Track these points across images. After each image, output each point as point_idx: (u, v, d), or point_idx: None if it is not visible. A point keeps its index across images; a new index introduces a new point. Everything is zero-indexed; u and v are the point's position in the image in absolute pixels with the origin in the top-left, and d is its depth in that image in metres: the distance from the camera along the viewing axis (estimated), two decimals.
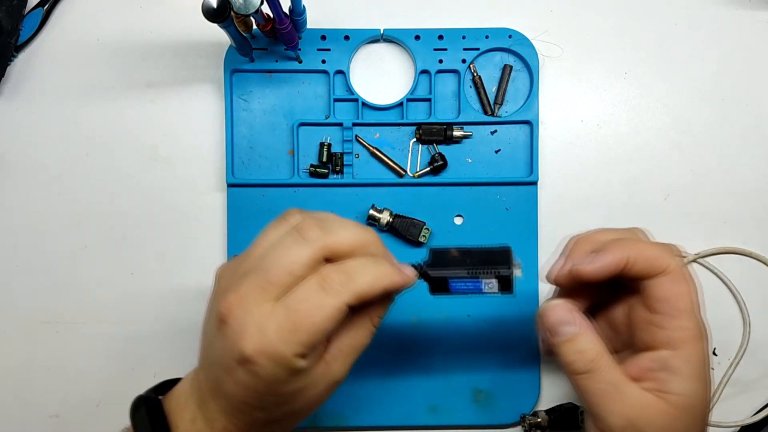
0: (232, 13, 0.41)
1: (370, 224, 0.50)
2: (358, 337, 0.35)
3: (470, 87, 0.51)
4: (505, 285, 0.35)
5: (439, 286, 0.36)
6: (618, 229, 0.38)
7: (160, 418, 0.35)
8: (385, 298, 0.35)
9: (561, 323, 0.35)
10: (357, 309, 0.35)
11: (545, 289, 0.50)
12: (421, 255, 0.50)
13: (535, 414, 0.49)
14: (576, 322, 0.35)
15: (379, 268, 0.34)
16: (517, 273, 0.36)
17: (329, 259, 0.34)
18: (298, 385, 0.34)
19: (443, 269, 0.36)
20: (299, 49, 0.49)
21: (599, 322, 0.38)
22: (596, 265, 0.35)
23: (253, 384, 0.33)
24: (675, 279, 0.35)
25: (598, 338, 0.35)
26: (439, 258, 0.37)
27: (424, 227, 0.49)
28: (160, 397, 0.37)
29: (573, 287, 0.37)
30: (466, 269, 0.36)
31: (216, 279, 0.37)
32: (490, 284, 0.36)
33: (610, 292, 0.38)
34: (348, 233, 0.34)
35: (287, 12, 0.45)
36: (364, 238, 0.35)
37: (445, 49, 0.50)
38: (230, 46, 0.50)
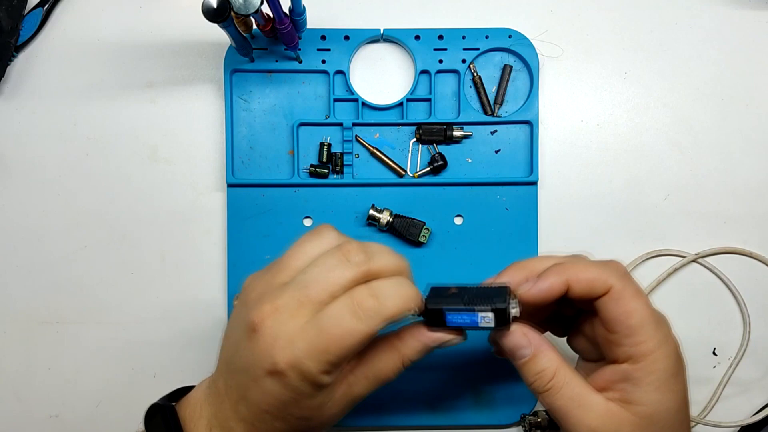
0: (232, 13, 0.41)
1: (369, 224, 0.50)
2: (385, 370, 0.36)
3: (470, 87, 0.51)
4: (501, 318, 0.35)
5: (434, 319, 0.36)
6: (559, 255, 0.38)
7: (175, 427, 0.36)
8: (424, 348, 0.36)
9: (517, 347, 0.36)
10: (396, 339, 0.36)
11: None
12: (421, 255, 0.50)
13: (535, 414, 0.49)
14: (531, 344, 0.36)
15: (407, 291, 0.34)
16: (515, 311, 0.35)
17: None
18: (320, 401, 0.35)
19: (441, 301, 0.36)
20: (299, 49, 0.49)
21: (580, 334, 0.39)
22: (534, 291, 0.36)
23: (279, 394, 0.33)
24: (619, 297, 0.35)
25: (556, 355, 0.36)
26: (438, 293, 0.36)
27: (424, 227, 0.49)
28: (173, 404, 0.38)
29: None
30: (463, 302, 0.35)
31: (245, 287, 0.37)
32: (486, 318, 0.35)
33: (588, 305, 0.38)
34: (389, 260, 0.35)
35: (287, 12, 0.45)
36: (402, 266, 0.36)
37: (445, 49, 0.50)
38: (230, 46, 0.50)
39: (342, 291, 0.34)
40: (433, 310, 0.36)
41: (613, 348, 0.36)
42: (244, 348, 0.34)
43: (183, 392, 0.39)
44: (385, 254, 0.36)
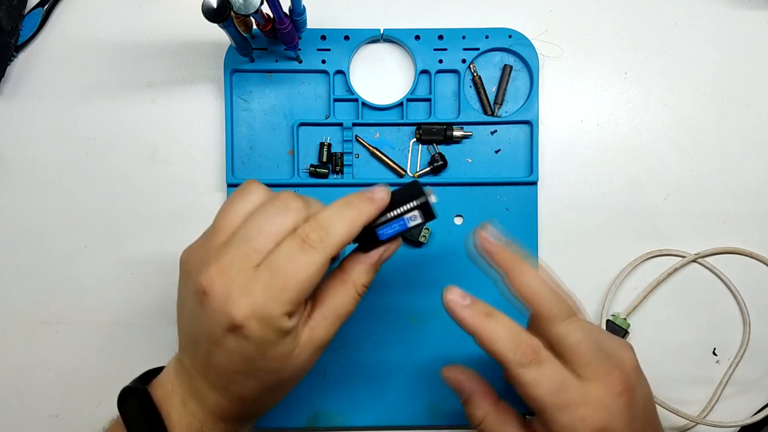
0: (232, 13, 0.41)
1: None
2: (342, 304, 0.36)
3: (470, 87, 0.51)
4: (427, 212, 0.37)
5: (368, 240, 0.37)
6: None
7: (150, 407, 0.36)
8: (369, 268, 0.37)
9: (455, 390, 0.40)
10: (341, 271, 0.37)
11: None
12: (421, 255, 0.50)
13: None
14: (464, 390, 0.39)
15: (350, 210, 0.35)
16: (432, 199, 0.37)
17: None
18: (286, 348, 0.34)
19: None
20: (299, 49, 0.49)
21: None
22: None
23: (244, 349, 0.33)
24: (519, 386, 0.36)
25: (487, 402, 0.39)
26: None
27: (424, 227, 0.49)
28: (145, 386, 0.37)
29: None
30: (387, 213, 0.37)
31: (183, 262, 0.37)
32: (413, 217, 0.37)
33: None
34: (322, 205, 0.36)
35: (287, 12, 0.45)
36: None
37: (445, 49, 0.50)
38: (230, 46, 0.50)
39: (286, 236, 0.34)
40: (364, 231, 0.36)
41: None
42: (198, 315, 0.34)
43: (152, 374, 0.39)
44: (317, 201, 0.37)
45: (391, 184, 0.50)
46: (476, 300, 0.37)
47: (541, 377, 0.35)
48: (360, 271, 0.37)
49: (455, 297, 0.37)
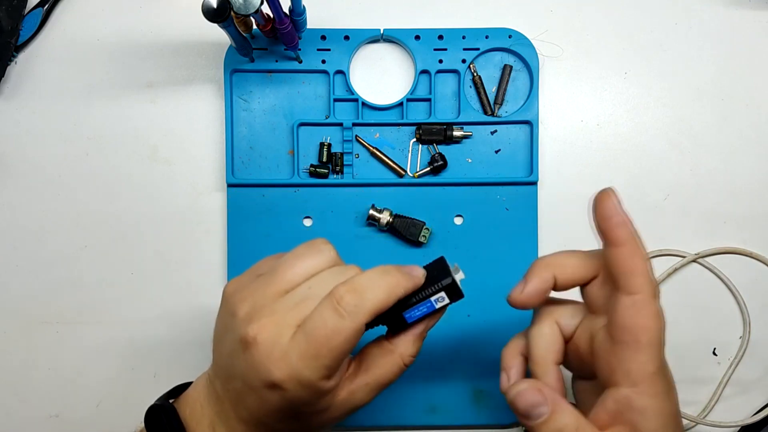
0: (232, 13, 0.41)
1: (369, 224, 0.50)
2: (386, 373, 0.36)
3: (470, 87, 0.51)
4: (453, 292, 0.36)
5: (396, 325, 0.36)
6: (585, 251, 0.37)
7: (178, 427, 0.36)
8: (417, 338, 0.36)
9: (533, 406, 0.33)
10: (389, 343, 0.36)
11: None
12: (421, 255, 0.50)
13: None
14: (548, 401, 0.33)
15: (387, 279, 0.34)
16: (459, 276, 0.36)
17: None
18: (321, 406, 0.35)
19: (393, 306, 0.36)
20: (299, 49, 0.49)
21: (567, 352, 0.37)
22: (524, 296, 0.35)
23: (278, 404, 0.33)
24: (642, 307, 0.33)
25: (573, 409, 0.33)
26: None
27: (424, 227, 0.49)
28: (172, 402, 0.37)
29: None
30: (413, 297, 0.36)
31: (228, 296, 0.36)
32: (440, 297, 0.36)
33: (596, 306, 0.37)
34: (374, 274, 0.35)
35: (287, 12, 0.45)
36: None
37: (445, 49, 0.50)
38: (230, 46, 0.50)
39: None
40: (392, 317, 0.36)
41: (612, 362, 0.33)
42: (239, 359, 0.34)
43: (180, 389, 0.39)
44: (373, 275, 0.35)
45: (391, 185, 0.50)
46: None
47: (661, 312, 0.33)
48: (407, 342, 0.36)
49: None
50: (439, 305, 0.36)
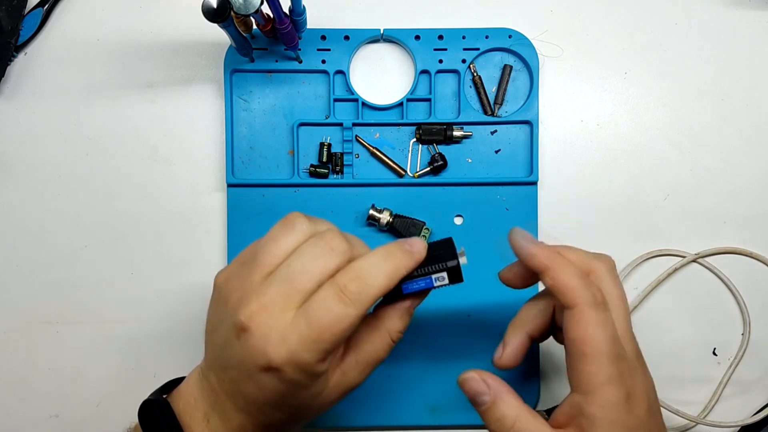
0: (232, 13, 0.41)
1: (369, 224, 0.50)
2: (375, 350, 0.37)
3: (470, 87, 0.51)
4: (454, 275, 0.36)
5: (392, 294, 0.36)
6: (556, 245, 0.38)
7: (173, 423, 0.36)
8: (404, 313, 0.37)
9: (476, 394, 0.36)
10: (376, 319, 0.37)
11: None
12: None
13: None
14: (490, 391, 0.36)
15: (390, 262, 0.34)
16: (463, 261, 0.36)
17: None
18: (316, 390, 0.35)
19: None
20: (299, 49, 0.49)
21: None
22: (504, 360, 0.39)
23: (276, 388, 0.34)
24: (580, 320, 0.34)
25: (516, 401, 0.35)
26: None
27: (424, 227, 0.49)
28: (165, 397, 0.38)
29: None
30: (415, 271, 0.36)
31: (218, 287, 0.37)
32: (440, 277, 0.36)
33: None
34: (366, 248, 0.36)
35: (287, 12, 0.45)
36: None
37: (445, 49, 0.50)
38: (230, 46, 0.50)
39: (327, 279, 0.34)
40: (390, 292, 0.36)
41: (569, 367, 0.35)
42: (234, 347, 0.34)
43: (173, 384, 0.39)
44: (360, 241, 0.37)
45: (391, 185, 0.50)
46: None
47: (607, 320, 0.34)
48: (394, 318, 0.37)
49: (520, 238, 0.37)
50: (437, 284, 0.36)
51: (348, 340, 0.36)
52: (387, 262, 0.34)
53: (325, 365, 0.34)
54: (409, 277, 0.36)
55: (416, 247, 0.36)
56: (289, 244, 0.35)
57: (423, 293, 0.37)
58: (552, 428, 0.35)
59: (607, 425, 0.33)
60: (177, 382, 0.39)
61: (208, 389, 0.37)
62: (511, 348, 0.39)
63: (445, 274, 0.36)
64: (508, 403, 0.35)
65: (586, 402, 0.34)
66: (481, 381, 0.36)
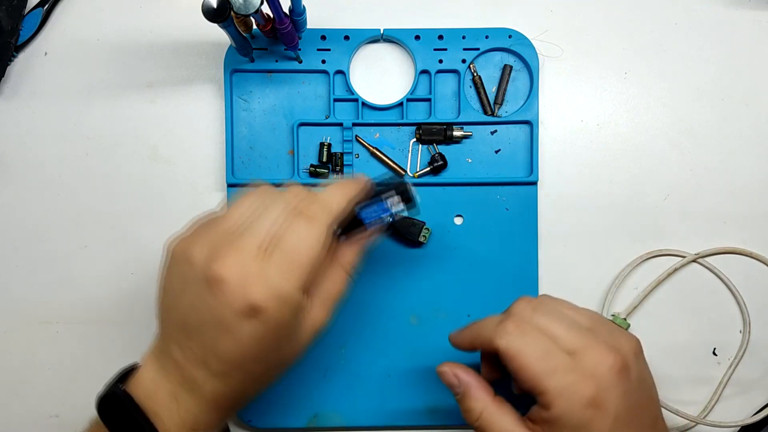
0: (232, 13, 0.41)
1: None
2: (335, 286, 0.39)
3: (470, 87, 0.51)
4: (405, 196, 0.40)
5: (352, 224, 0.39)
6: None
7: (137, 412, 0.35)
8: (357, 248, 0.40)
9: (449, 386, 0.40)
10: (331, 256, 0.39)
11: (544, 290, 0.50)
12: (421, 255, 0.50)
13: None
14: (461, 384, 0.40)
15: (343, 187, 0.39)
16: (414, 191, 0.40)
17: None
18: (295, 330, 0.36)
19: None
20: (299, 49, 0.49)
21: None
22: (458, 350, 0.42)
23: (257, 333, 0.34)
24: (505, 357, 0.37)
25: (484, 394, 0.39)
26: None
27: (424, 227, 0.49)
28: (122, 387, 0.36)
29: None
30: (368, 198, 0.40)
31: (179, 251, 0.37)
32: (393, 200, 0.40)
33: None
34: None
35: (287, 12, 0.45)
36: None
37: (445, 49, 0.50)
38: (230, 46, 0.50)
39: None
40: (351, 224, 0.40)
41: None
42: (206, 302, 0.34)
43: (126, 374, 0.37)
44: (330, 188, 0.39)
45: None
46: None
47: (527, 345, 0.36)
48: (348, 253, 0.40)
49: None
50: (393, 209, 0.40)
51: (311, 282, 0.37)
52: (341, 187, 0.38)
53: (304, 297, 0.35)
54: (365, 207, 0.39)
55: (359, 176, 0.40)
56: (257, 203, 0.37)
57: (379, 224, 0.40)
58: (520, 424, 0.37)
59: (567, 429, 0.36)
60: (130, 371, 0.38)
61: (170, 366, 0.36)
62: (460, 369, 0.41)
63: (393, 192, 0.40)
64: (475, 397, 0.39)
65: (549, 415, 0.36)
66: (452, 375, 0.40)
